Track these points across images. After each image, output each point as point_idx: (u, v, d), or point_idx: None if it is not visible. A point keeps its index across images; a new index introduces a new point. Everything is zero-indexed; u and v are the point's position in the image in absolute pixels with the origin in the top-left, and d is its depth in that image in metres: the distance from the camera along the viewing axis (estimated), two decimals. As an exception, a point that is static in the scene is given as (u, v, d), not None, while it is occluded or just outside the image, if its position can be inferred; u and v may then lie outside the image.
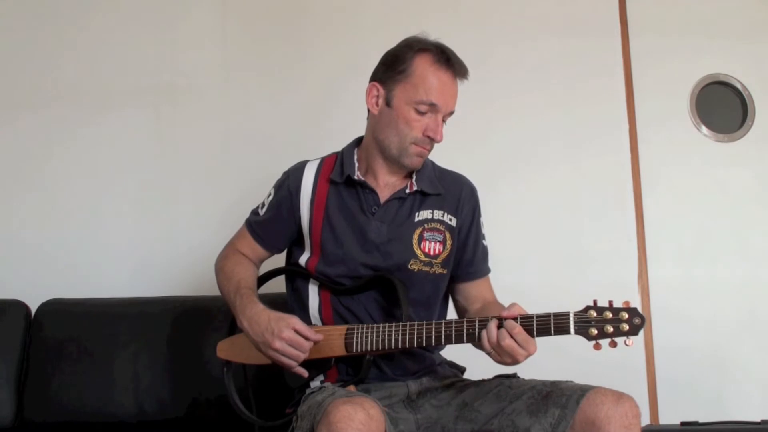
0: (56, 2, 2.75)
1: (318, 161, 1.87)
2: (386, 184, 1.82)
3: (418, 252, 1.77)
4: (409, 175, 1.83)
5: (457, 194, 1.85)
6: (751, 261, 2.70)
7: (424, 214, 1.80)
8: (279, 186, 1.87)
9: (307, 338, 1.68)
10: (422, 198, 1.81)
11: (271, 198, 1.87)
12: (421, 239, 1.78)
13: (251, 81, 2.73)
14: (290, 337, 1.66)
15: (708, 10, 2.79)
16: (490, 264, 1.90)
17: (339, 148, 1.90)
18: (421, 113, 1.72)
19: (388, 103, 1.75)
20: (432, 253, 1.78)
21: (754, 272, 2.70)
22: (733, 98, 2.81)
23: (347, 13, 2.76)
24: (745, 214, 2.72)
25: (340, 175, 1.81)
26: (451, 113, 1.76)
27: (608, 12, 2.78)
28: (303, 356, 1.68)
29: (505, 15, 2.78)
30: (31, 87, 2.71)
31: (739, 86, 2.79)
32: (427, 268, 1.78)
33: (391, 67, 1.76)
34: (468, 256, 1.84)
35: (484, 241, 1.88)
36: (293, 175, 1.85)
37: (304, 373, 1.70)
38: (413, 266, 1.76)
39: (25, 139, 2.70)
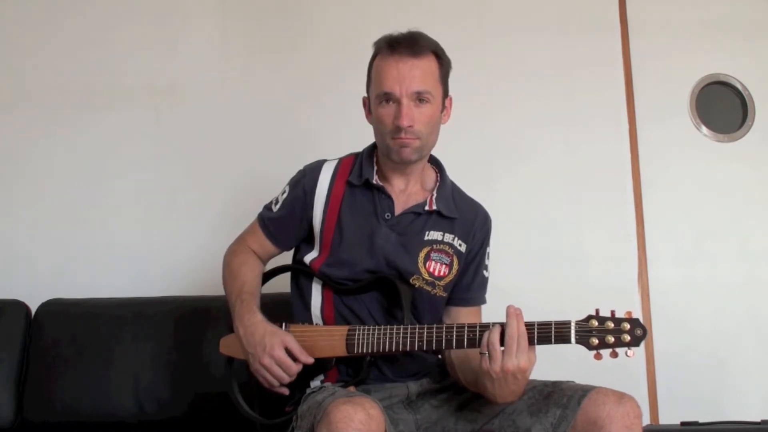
0: (55, 1, 2.75)
1: (335, 162, 1.86)
2: (401, 190, 1.81)
3: (422, 270, 1.76)
4: (428, 189, 1.83)
5: (470, 221, 1.83)
6: (751, 261, 2.70)
7: (435, 235, 1.78)
8: (294, 184, 1.86)
9: (296, 359, 1.68)
10: (437, 218, 1.80)
11: (285, 195, 1.86)
12: (427, 258, 1.77)
13: (251, 81, 2.73)
14: (280, 357, 1.67)
15: (708, 10, 2.79)
16: (493, 271, 1.89)
17: (342, 151, 1.90)
18: (385, 106, 1.71)
19: (370, 110, 1.78)
20: (437, 274, 1.77)
21: (754, 272, 2.69)
22: (733, 98, 2.81)
23: (348, 14, 2.75)
24: (745, 214, 2.72)
25: (359, 177, 1.80)
26: (422, 92, 1.70)
27: (608, 11, 2.78)
28: (287, 379, 1.69)
29: (505, 14, 2.77)
30: (33, 86, 2.71)
31: (739, 86, 2.79)
32: (428, 288, 1.77)
33: (367, 77, 1.80)
34: (466, 281, 1.83)
35: (485, 272, 1.86)
36: (310, 175, 1.84)
37: (285, 392, 1.71)
38: (415, 282, 1.76)
39: (24, 138, 2.69)
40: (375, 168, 1.81)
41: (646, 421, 2.53)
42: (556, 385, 1.63)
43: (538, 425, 1.57)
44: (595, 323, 1.52)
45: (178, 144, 2.70)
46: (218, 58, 2.74)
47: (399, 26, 1.78)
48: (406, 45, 1.71)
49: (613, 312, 1.53)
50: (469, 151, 2.61)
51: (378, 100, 1.72)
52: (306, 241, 1.85)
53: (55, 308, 2.37)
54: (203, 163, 2.69)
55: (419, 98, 1.70)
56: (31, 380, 2.28)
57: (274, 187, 1.91)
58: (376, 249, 1.75)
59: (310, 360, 1.69)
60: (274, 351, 1.66)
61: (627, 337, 1.50)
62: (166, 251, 2.64)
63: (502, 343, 1.53)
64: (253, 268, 1.87)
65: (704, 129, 2.77)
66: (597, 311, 1.53)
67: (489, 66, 2.71)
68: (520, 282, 2.56)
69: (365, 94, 1.82)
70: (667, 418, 2.56)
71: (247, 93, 2.72)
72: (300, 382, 1.74)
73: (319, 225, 1.80)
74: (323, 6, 2.77)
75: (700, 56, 2.78)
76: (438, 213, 1.79)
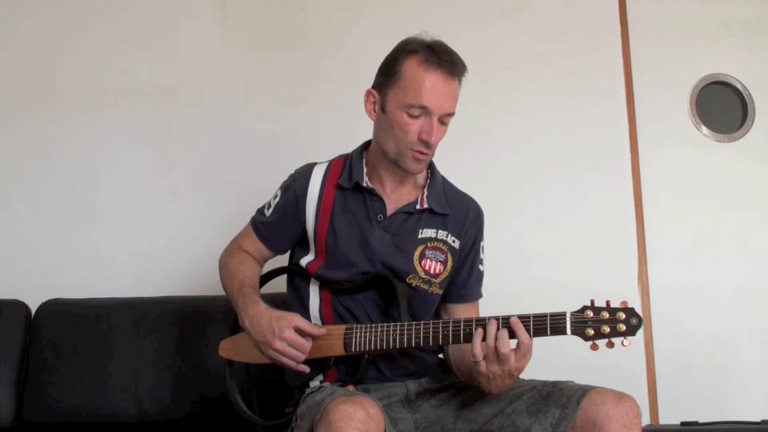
0: (56, 2, 2.76)
1: (326, 164, 1.85)
2: (393, 191, 1.81)
3: (419, 269, 1.76)
4: (419, 187, 1.82)
5: (462, 216, 1.83)
6: (750, 261, 2.70)
7: (429, 233, 1.78)
8: (286, 188, 1.86)
9: (308, 334, 1.68)
10: (429, 215, 1.79)
11: (277, 200, 1.86)
12: (422, 257, 1.77)
13: (251, 82, 2.73)
14: (291, 337, 1.66)
15: (708, 10, 2.79)
16: (491, 271, 1.89)
17: (340, 150, 1.90)
18: (413, 116, 1.68)
19: (383, 108, 1.73)
20: (432, 272, 1.77)
21: (753, 272, 2.70)
22: (733, 98, 2.81)
23: (348, 14, 2.75)
24: (745, 214, 2.72)
25: (349, 180, 1.79)
26: (450, 114, 1.71)
27: (608, 12, 2.78)
28: (303, 357, 1.68)
29: (504, 14, 2.77)
30: (35, 86, 2.71)
31: (739, 86, 2.79)
32: (425, 286, 1.77)
33: (384, 72, 1.74)
34: (462, 278, 1.83)
35: (480, 266, 1.85)
36: (300, 179, 1.84)
37: (306, 369, 1.70)
38: (411, 281, 1.75)
39: (24, 138, 2.69)
40: (365, 169, 1.80)
41: (646, 421, 2.53)
42: (555, 385, 1.62)
43: (538, 425, 1.57)
44: (590, 314, 1.53)
45: (179, 144, 2.70)
46: (218, 59, 2.74)
47: (401, 30, 1.77)
48: (448, 62, 1.68)
49: (608, 302, 1.54)
50: (468, 151, 2.61)
51: (408, 108, 1.68)
52: (300, 244, 1.85)
53: (55, 308, 2.37)
54: (204, 162, 2.70)
55: (444, 118, 1.70)
56: (31, 380, 2.28)
57: (274, 186, 1.91)
58: (371, 252, 1.75)
59: (322, 331, 1.69)
60: (283, 333, 1.66)
61: (622, 327, 1.50)
62: (166, 251, 2.64)
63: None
64: (251, 266, 1.87)
65: (704, 129, 2.77)
66: (592, 302, 1.54)
67: (488, 66, 2.70)
68: (520, 282, 2.56)
69: (370, 88, 1.76)
70: (667, 418, 2.56)
71: (248, 94, 2.72)
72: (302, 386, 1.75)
73: (312, 229, 1.80)
74: (325, 7, 2.77)
75: (700, 56, 2.79)
76: (430, 210, 1.79)
